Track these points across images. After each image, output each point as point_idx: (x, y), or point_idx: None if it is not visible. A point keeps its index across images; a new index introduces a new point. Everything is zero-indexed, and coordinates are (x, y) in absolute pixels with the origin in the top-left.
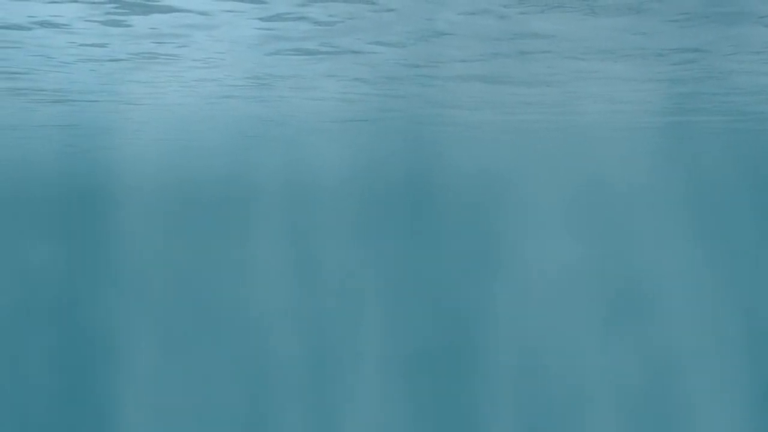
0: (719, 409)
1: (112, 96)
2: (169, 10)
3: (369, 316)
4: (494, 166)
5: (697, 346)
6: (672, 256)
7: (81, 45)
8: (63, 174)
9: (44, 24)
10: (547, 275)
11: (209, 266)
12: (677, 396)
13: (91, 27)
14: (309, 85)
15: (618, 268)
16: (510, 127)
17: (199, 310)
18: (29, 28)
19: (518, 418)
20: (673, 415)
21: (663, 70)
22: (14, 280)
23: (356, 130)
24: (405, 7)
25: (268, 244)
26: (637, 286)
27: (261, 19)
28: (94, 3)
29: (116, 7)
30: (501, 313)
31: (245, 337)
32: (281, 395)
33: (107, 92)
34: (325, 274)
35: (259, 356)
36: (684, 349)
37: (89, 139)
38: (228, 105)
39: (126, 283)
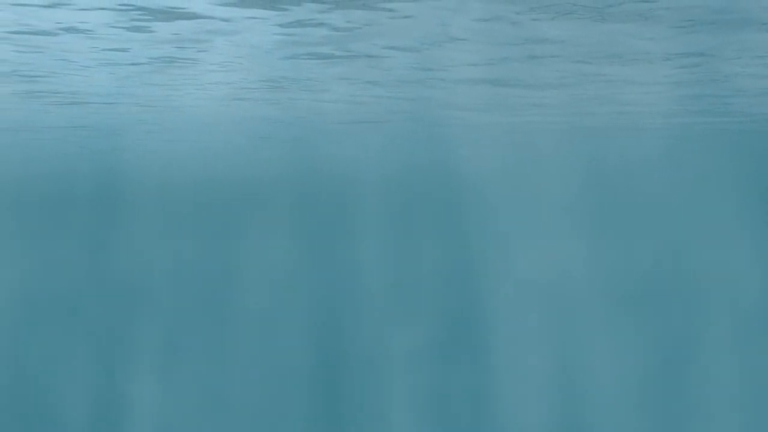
0: (735, 411)
1: (128, 98)
2: (193, 16)
3: (376, 318)
4: (501, 167)
5: (706, 348)
6: (678, 256)
7: (103, 50)
8: (72, 175)
9: (70, 30)
10: (550, 277)
11: (221, 267)
12: (693, 399)
13: (116, 33)
14: (322, 87)
15: (625, 269)
16: (518, 129)
17: (207, 310)
18: (55, 34)
19: (539, 418)
20: (688, 418)
21: (669, 73)
22: (20, 280)
23: (366, 132)
24: (421, 13)
25: (281, 244)
26: (643, 288)
27: (281, 25)
28: (121, 10)
29: (142, 14)
30: (506, 313)
31: (248, 338)
32: (296, 395)
33: (124, 95)
34: (332, 274)
35: (260, 357)
36: (697, 351)
37: (102, 140)
38: (241, 107)
39: (135, 284)
